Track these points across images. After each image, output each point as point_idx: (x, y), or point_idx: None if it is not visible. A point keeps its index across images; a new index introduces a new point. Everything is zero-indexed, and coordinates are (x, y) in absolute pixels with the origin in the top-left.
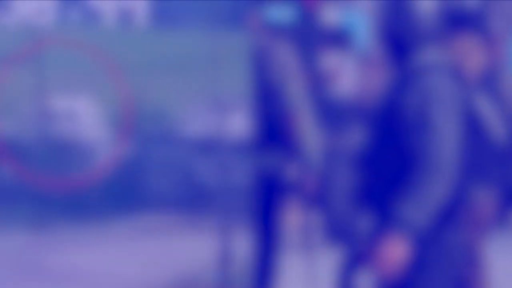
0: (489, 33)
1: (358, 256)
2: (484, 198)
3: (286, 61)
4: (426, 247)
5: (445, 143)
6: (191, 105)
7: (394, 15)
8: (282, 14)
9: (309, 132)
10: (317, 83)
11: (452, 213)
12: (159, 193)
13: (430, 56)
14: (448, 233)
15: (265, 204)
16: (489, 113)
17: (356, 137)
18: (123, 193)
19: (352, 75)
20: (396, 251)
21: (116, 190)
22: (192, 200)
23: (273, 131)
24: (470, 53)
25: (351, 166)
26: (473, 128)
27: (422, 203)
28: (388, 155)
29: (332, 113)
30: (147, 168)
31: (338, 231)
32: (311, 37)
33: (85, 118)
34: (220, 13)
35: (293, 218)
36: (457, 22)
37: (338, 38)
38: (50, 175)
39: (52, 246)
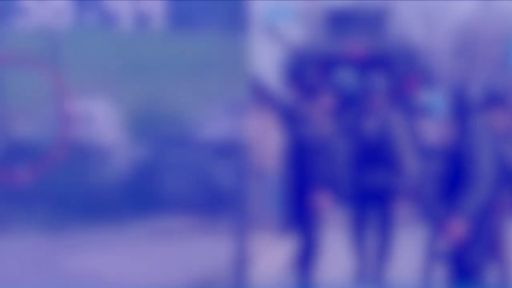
0: None
1: (435, 232)
2: (507, 199)
3: (398, 123)
4: (474, 227)
5: (485, 168)
6: (208, 107)
7: (458, 97)
8: (278, 12)
9: (410, 159)
10: (415, 135)
11: (488, 207)
12: (175, 195)
13: (477, 121)
14: (486, 219)
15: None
16: (510, 152)
17: (437, 164)
18: (139, 196)
19: (434, 131)
20: (457, 230)
21: (132, 192)
22: (208, 203)
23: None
24: (501, 119)
25: (433, 179)
26: (501, 160)
27: (473, 200)
28: (454, 173)
29: (422, 151)
30: (163, 170)
31: (426, 216)
32: (410, 109)
33: (102, 121)
34: (236, 15)
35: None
36: (493, 101)
37: (426, 108)
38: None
39: (68, 248)
